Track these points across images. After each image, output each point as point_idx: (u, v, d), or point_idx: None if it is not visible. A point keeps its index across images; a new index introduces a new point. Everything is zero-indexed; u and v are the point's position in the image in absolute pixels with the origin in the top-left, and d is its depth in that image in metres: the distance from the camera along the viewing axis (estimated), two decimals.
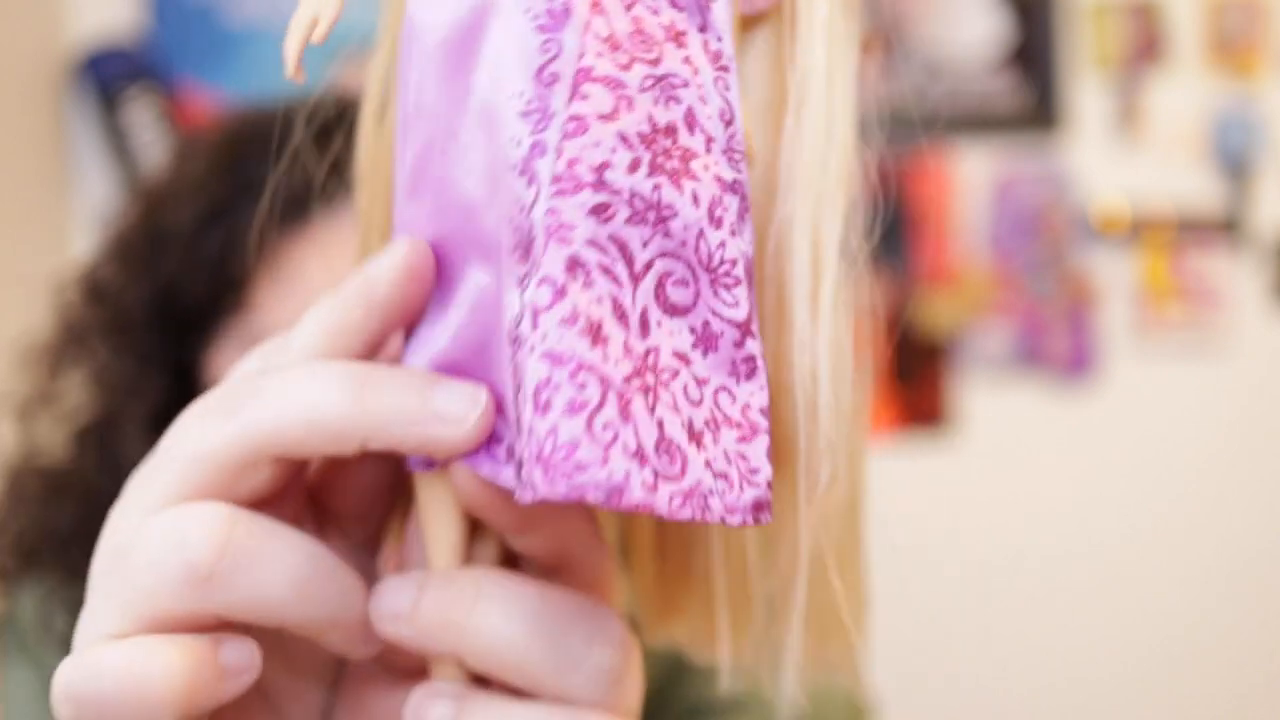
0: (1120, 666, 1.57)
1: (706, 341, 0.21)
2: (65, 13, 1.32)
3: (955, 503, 1.54)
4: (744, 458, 0.20)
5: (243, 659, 0.21)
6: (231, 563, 0.21)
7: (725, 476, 0.20)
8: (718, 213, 0.21)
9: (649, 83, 0.20)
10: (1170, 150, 1.56)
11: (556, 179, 0.19)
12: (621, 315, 0.20)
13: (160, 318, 0.53)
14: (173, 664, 0.20)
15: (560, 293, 0.19)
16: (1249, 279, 1.59)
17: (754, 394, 0.21)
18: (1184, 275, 1.57)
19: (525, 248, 0.20)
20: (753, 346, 0.21)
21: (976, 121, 1.52)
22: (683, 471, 0.20)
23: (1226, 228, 1.57)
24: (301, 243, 0.51)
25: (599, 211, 0.20)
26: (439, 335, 0.22)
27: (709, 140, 0.21)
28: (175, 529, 0.21)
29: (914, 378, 1.53)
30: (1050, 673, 1.56)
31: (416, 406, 0.21)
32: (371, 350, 0.23)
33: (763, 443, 0.21)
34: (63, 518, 0.51)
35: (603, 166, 0.20)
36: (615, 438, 0.19)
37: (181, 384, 0.53)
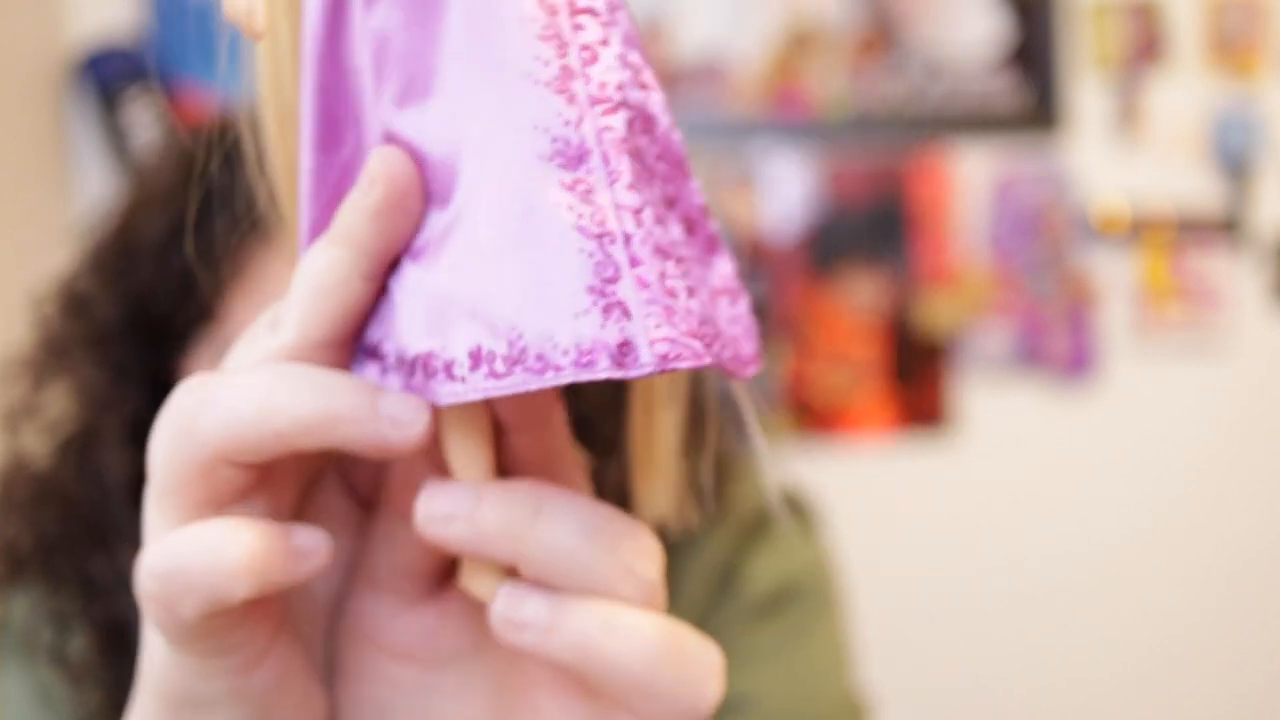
0: (1120, 666, 1.57)
1: (690, 227, 0.24)
2: (65, 13, 1.33)
3: (955, 503, 1.54)
4: (738, 320, 0.24)
5: (311, 542, 0.24)
6: (205, 405, 0.23)
7: (739, 336, 0.24)
8: (669, 115, 0.24)
9: (609, 8, 0.23)
10: (1170, 150, 1.56)
11: (597, 100, 0.22)
12: (662, 217, 0.23)
13: (135, 329, 0.53)
14: (242, 537, 0.22)
15: (642, 197, 0.22)
16: (1249, 279, 1.59)
17: (725, 264, 0.25)
18: (1184, 275, 1.57)
19: (576, 158, 0.22)
20: (714, 225, 0.25)
21: (976, 121, 1.52)
22: (732, 338, 0.24)
23: (1226, 228, 1.57)
24: (269, 250, 0.50)
25: (630, 125, 0.22)
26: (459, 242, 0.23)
27: (644, 55, 0.24)
28: (164, 419, 0.24)
29: (914, 378, 1.53)
30: (1050, 672, 1.56)
31: (368, 411, 0.23)
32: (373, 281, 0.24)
33: (746, 301, 0.24)
34: (48, 527, 0.51)
35: (620, 86, 0.22)
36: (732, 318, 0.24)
37: (158, 393, 0.53)
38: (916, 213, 1.52)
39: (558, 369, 0.21)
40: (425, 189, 0.23)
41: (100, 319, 0.53)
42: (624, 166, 0.22)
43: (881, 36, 1.50)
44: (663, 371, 0.21)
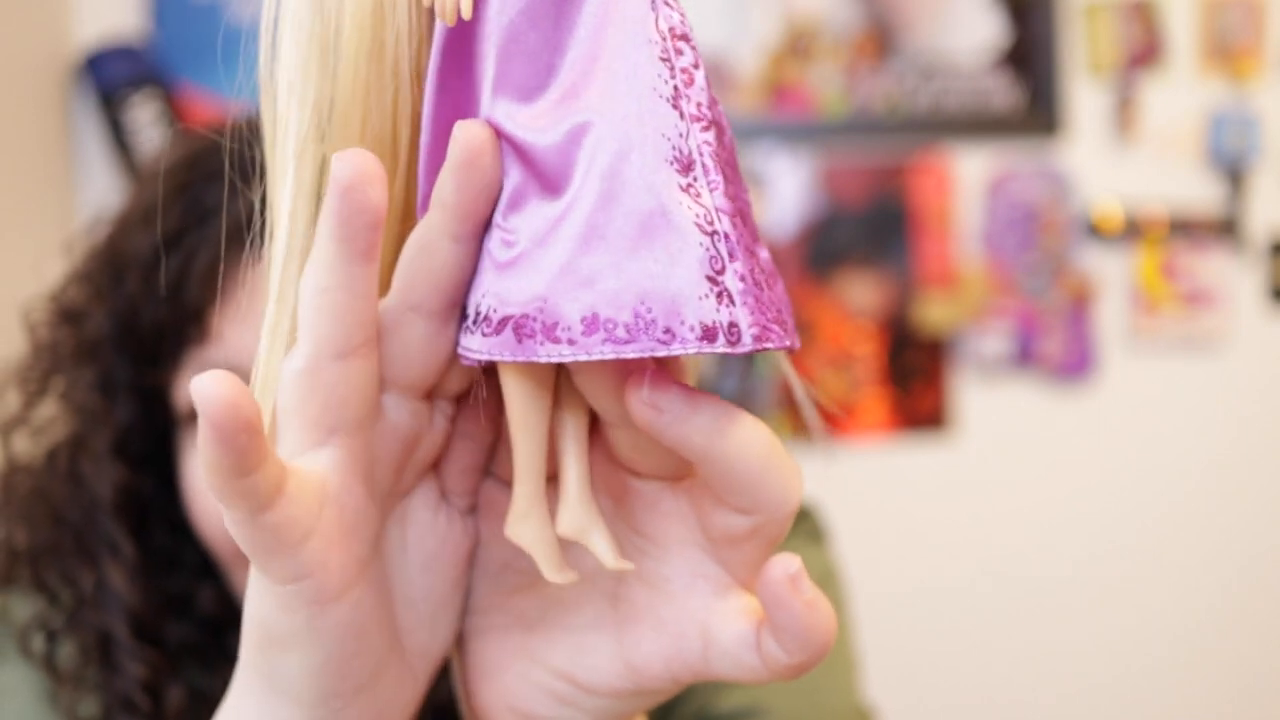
0: (1120, 666, 1.57)
1: (744, 218, 0.27)
2: (69, 14, 1.33)
3: (954, 503, 1.55)
4: (781, 298, 0.27)
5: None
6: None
7: (787, 315, 0.27)
8: (729, 124, 0.28)
9: (689, 34, 0.26)
10: (1166, 151, 1.57)
11: (695, 118, 0.26)
12: (741, 216, 0.26)
13: (124, 342, 0.52)
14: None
15: (731, 203, 0.26)
16: (1244, 279, 1.60)
17: (764, 250, 0.28)
18: (1180, 276, 1.57)
19: (685, 164, 0.25)
20: (754, 218, 0.28)
21: (973, 123, 1.52)
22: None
23: (1222, 228, 1.58)
24: (257, 270, 0.49)
25: (718, 139, 0.26)
26: (575, 214, 0.26)
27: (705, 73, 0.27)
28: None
29: (912, 378, 1.53)
30: (1049, 672, 1.56)
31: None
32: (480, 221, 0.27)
33: (782, 282, 0.28)
34: (38, 532, 0.51)
35: (709, 105, 0.26)
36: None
37: (150, 408, 0.52)
38: (914, 213, 1.52)
39: (684, 341, 0.24)
40: (536, 178, 0.26)
41: (89, 330, 0.52)
42: (719, 176, 0.25)
43: (879, 38, 1.51)
44: (757, 351, 0.24)
